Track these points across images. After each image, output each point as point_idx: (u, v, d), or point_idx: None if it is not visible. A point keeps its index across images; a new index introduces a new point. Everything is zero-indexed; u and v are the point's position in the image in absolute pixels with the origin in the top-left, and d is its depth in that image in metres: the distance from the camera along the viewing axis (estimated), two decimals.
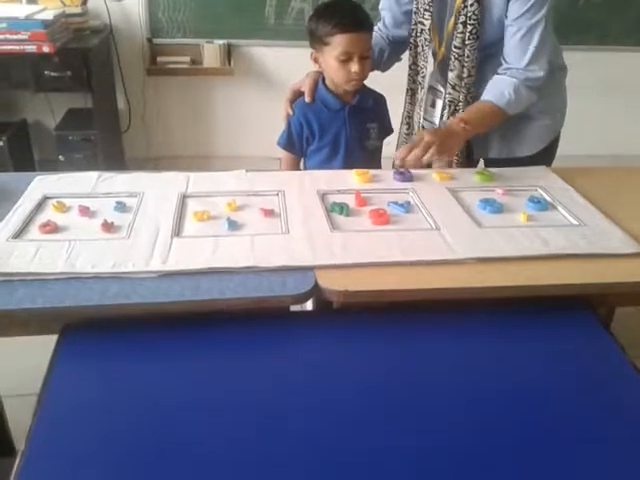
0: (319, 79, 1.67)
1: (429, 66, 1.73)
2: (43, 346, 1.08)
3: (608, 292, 1.17)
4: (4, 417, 1.64)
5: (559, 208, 1.37)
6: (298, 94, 1.70)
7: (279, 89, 1.79)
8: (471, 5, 1.53)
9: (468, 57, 1.59)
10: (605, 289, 1.15)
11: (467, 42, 1.58)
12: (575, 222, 1.31)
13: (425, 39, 1.66)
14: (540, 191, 1.45)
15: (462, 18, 1.56)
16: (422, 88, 1.74)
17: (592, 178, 1.56)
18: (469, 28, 1.56)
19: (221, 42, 3.09)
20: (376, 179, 1.49)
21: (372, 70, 1.71)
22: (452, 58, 1.62)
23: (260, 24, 3.13)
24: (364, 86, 1.69)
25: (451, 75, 1.64)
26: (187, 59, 3.13)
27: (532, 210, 1.35)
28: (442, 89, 1.69)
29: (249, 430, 0.87)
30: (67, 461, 0.82)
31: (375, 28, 1.74)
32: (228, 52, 3.15)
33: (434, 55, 1.72)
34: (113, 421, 0.88)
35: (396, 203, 1.34)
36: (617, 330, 1.15)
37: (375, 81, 1.71)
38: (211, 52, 3.09)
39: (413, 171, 1.51)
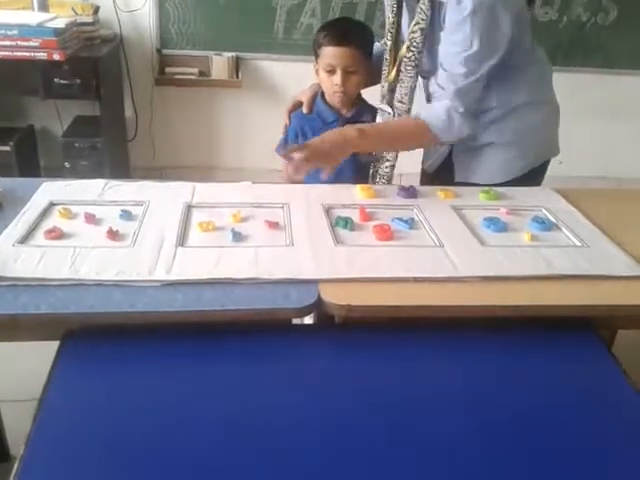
0: (319, 91, 1.75)
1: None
2: (40, 352, 1.08)
3: (610, 314, 1.17)
4: (0, 422, 1.63)
5: (563, 229, 1.38)
6: (298, 105, 1.78)
7: (286, 103, 1.82)
8: (415, 32, 1.51)
9: (404, 83, 1.58)
10: (607, 311, 1.15)
11: (407, 67, 1.56)
12: (579, 243, 1.31)
13: (386, 59, 1.66)
14: (544, 211, 1.45)
15: (408, 43, 1.55)
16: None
17: (596, 200, 1.56)
18: (409, 54, 1.54)
19: (230, 55, 3.12)
20: (380, 195, 1.49)
21: (378, 83, 1.73)
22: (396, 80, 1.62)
23: (269, 38, 3.15)
24: (362, 100, 1.76)
25: (391, 96, 1.64)
26: (195, 70, 3.16)
27: (536, 230, 1.36)
28: (390, 111, 1.67)
29: (248, 442, 0.87)
30: (66, 468, 0.81)
31: (382, 41, 1.78)
32: (236, 65, 3.17)
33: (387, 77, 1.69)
34: (113, 429, 0.88)
35: (400, 219, 1.34)
36: (619, 352, 1.15)
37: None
38: (219, 64, 3.11)
39: (418, 188, 1.52)
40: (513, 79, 1.57)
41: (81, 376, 0.99)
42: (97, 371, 1.00)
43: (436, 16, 1.48)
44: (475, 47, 1.41)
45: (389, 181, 1.69)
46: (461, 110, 1.48)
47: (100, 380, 0.98)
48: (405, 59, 1.56)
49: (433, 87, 1.51)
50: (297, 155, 1.38)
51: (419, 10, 1.49)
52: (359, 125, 1.52)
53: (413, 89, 1.59)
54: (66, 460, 0.83)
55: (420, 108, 1.55)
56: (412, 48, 1.53)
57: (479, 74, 1.45)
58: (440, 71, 1.50)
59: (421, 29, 1.50)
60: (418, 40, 1.52)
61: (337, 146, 1.42)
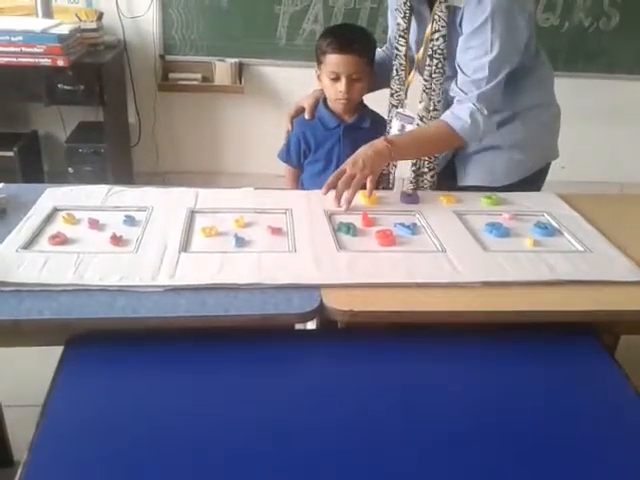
0: (321, 97, 1.76)
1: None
2: (43, 357, 1.08)
3: (613, 319, 1.17)
4: (4, 427, 1.64)
5: (565, 234, 1.38)
6: (301, 110, 1.78)
7: (289, 108, 1.82)
8: (437, 40, 1.52)
9: (434, 91, 1.58)
10: (610, 316, 1.15)
11: (434, 75, 1.57)
12: (581, 248, 1.31)
13: (400, 64, 1.66)
14: (547, 216, 1.45)
15: (429, 51, 1.55)
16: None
17: (599, 205, 1.57)
18: (435, 62, 1.55)
19: (233, 60, 3.13)
20: (383, 200, 1.49)
21: (379, 88, 1.76)
22: (420, 90, 1.61)
23: (272, 44, 3.17)
24: (365, 107, 1.77)
25: (419, 107, 1.63)
26: (198, 76, 3.16)
27: (538, 235, 1.36)
28: (413, 115, 1.67)
29: (251, 447, 0.87)
30: (69, 473, 0.82)
31: (384, 47, 1.81)
32: (239, 70, 3.18)
33: (404, 81, 1.68)
34: (116, 435, 0.88)
35: (403, 224, 1.35)
36: (622, 357, 1.15)
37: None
38: (222, 70, 3.12)
39: (420, 193, 1.52)
40: (520, 82, 1.57)
41: (84, 382, 0.99)
42: (100, 377, 1.00)
43: (451, 21, 1.49)
44: (495, 51, 1.42)
45: (431, 188, 1.69)
46: (485, 113, 1.49)
47: (103, 386, 0.98)
48: (428, 67, 1.56)
49: (454, 90, 1.52)
50: (338, 183, 1.41)
51: (437, 17, 1.50)
52: (388, 136, 1.56)
53: (444, 94, 1.59)
54: (69, 466, 0.83)
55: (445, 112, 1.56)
56: (436, 56, 1.54)
57: (500, 77, 1.46)
58: (461, 75, 1.50)
59: (443, 36, 1.51)
60: (442, 47, 1.53)
61: (369, 159, 1.43)
